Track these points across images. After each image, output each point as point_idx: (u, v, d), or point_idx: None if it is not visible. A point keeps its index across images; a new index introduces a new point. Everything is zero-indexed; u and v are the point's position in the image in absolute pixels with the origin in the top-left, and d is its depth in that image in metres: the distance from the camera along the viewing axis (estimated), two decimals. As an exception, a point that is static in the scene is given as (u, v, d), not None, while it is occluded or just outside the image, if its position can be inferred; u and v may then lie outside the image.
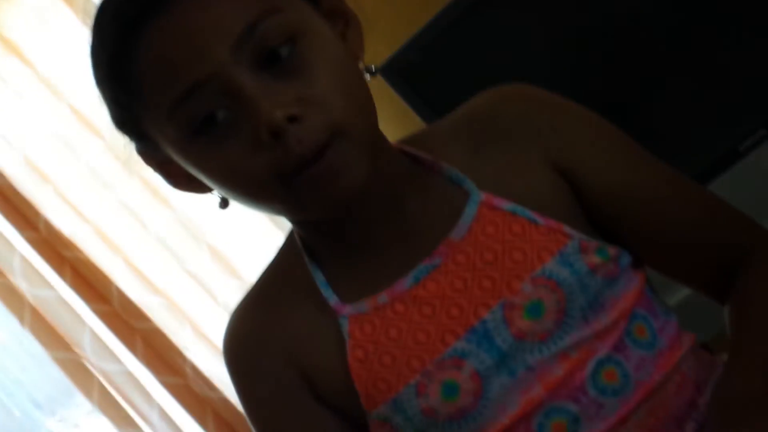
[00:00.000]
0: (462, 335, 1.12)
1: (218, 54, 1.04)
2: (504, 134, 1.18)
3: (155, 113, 1.08)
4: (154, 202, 2.50)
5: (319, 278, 1.18)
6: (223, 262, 2.50)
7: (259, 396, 1.20)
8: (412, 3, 2.33)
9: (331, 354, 1.15)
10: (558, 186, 1.17)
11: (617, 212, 1.17)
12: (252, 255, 2.50)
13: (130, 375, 2.42)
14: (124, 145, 1.16)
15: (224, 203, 1.16)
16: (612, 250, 1.14)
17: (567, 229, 1.14)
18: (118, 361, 2.43)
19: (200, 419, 2.42)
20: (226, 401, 2.42)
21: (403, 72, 2.22)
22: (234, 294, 2.47)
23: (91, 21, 1.12)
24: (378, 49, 1.91)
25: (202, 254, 2.50)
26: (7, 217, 2.48)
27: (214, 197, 1.17)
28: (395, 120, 2.20)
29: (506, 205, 1.15)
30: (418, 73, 2.24)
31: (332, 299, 1.16)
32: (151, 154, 1.14)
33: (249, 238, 2.50)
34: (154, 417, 2.41)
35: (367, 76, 1.15)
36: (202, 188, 1.14)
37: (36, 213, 2.49)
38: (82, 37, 1.14)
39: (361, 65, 1.14)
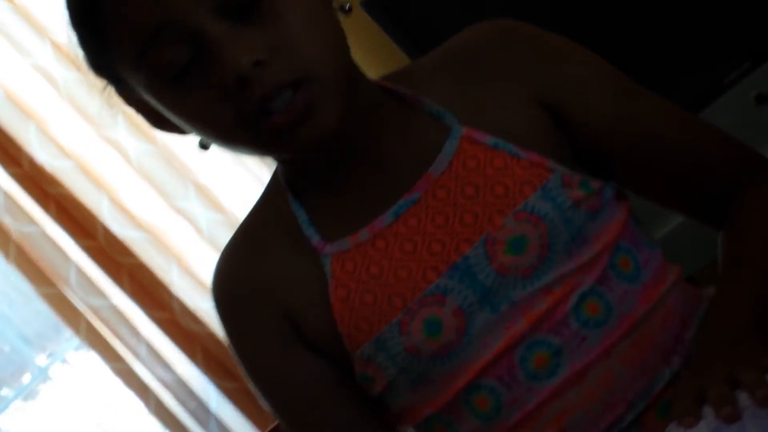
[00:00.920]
0: (444, 272, 1.11)
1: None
2: (489, 69, 1.17)
3: (125, 60, 1.08)
4: (138, 137, 2.49)
5: (302, 217, 1.17)
6: (208, 197, 2.50)
7: (245, 338, 1.21)
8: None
9: (314, 294, 1.15)
10: (543, 121, 1.16)
11: (611, 145, 1.17)
12: (236, 188, 2.50)
13: (116, 309, 2.44)
14: (105, 85, 1.15)
15: (203, 145, 1.16)
16: (595, 183, 1.14)
17: (550, 163, 1.13)
18: (104, 296, 2.44)
19: (189, 353, 2.43)
20: (213, 335, 2.43)
21: (385, 5, 2.20)
22: (219, 228, 2.48)
23: None
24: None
25: (187, 189, 2.50)
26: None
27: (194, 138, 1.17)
28: (378, 56, 2.19)
29: (488, 139, 1.14)
30: (401, 6, 2.22)
31: (314, 238, 1.16)
32: (130, 95, 1.14)
33: (233, 172, 2.50)
34: (142, 351, 2.42)
35: (342, 16, 1.14)
36: (182, 130, 1.14)
37: (19, 149, 2.48)
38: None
39: (334, 3, 1.13)
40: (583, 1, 2.13)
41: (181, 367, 2.45)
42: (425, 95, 1.17)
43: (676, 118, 1.20)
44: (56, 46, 2.45)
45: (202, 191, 2.50)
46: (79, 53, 1.13)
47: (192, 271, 2.49)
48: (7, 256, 2.47)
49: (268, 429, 2.11)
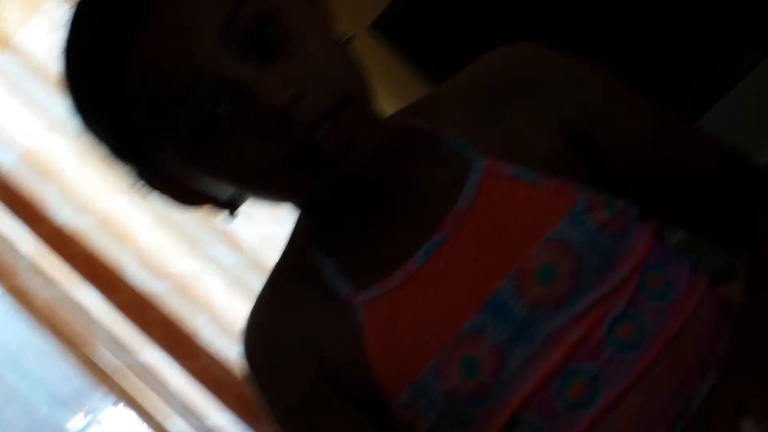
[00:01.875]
0: (478, 308, 1.09)
1: (204, 50, 1.01)
2: (510, 96, 1.15)
3: (155, 128, 1.04)
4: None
5: (329, 267, 1.14)
6: (231, 241, 2.49)
7: (283, 400, 1.18)
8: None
9: (348, 345, 1.12)
10: (565, 145, 1.13)
11: (631, 169, 1.15)
12: (258, 230, 2.49)
13: (148, 365, 2.43)
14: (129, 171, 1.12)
15: (232, 215, 1.12)
16: (620, 203, 1.12)
17: (574, 187, 1.11)
18: (134, 352, 2.43)
19: (223, 401, 2.42)
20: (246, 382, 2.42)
21: (398, 23, 2.19)
22: (244, 272, 2.47)
23: (64, 51, 1.07)
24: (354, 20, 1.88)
25: (210, 235, 2.49)
26: (12, 211, 2.46)
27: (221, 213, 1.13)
28: (391, 82, 2.18)
29: (511, 170, 1.12)
30: (413, 23, 2.21)
31: (344, 287, 1.13)
32: (154, 176, 1.10)
33: (253, 213, 2.49)
34: (177, 404, 2.42)
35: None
36: (211, 201, 1.11)
37: (40, 211, 2.48)
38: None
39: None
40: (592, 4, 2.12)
41: (216, 416, 2.44)
42: (445, 128, 1.15)
43: (692, 138, 1.19)
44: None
45: (224, 236, 2.49)
46: (95, 145, 1.09)
47: (219, 318, 2.48)
48: (35, 319, 2.46)
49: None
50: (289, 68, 1.02)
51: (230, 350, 2.44)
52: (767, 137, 1.98)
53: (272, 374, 1.17)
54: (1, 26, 2.49)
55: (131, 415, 2.48)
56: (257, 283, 2.36)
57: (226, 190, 1.09)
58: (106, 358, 2.43)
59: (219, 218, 1.15)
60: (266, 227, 2.44)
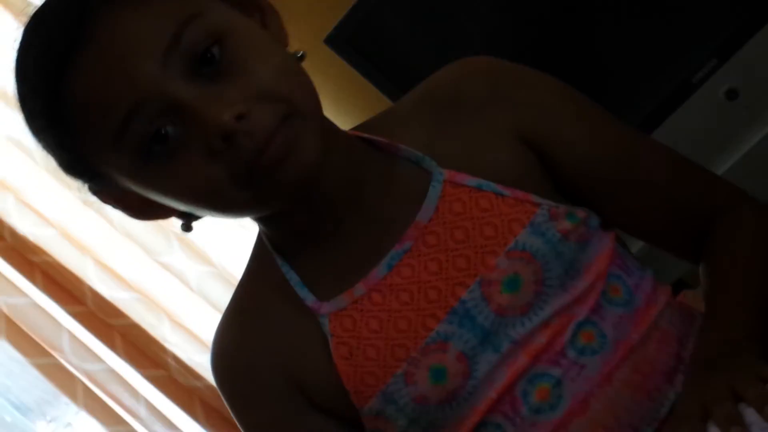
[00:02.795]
0: (443, 318, 1.11)
1: (148, 71, 1.02)
2: (467, 109, 1.17)
3: (101, 147, 1.05)
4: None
5: (293, 279, 1.16)
6: (192, 249, 2.48)
7: (255, 415, 1.19)
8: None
9: (316, 356, 1.14)
10: (524, 156, 1.16)
11: (587, 178, 1.17)
12: (219, 238, 2.49)
13: (112, 372, 2.41)
14: (78, 188, 1.13)
15: (187, 227, 1.14)
16: (581, 213, 1.14)
17: (534, 198, 1.13)
18: (99, 359, 2.41)
19: (188, 409, 2.41)
20: (212, 389, 2.41)
21: (350, 39, 2.20)
22: (208, 280, 2.46)
23: (14, 71, 1.09)
24: (307, 37, 1.89)
25: (170, 243, 2.48)
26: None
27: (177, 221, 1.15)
28: (348, 94, 2.19)
29: (470, 180, 1.14)
30: (367, 38, 2.21)
31: (309, 299, 1.15)
32: (107, 190, 1.12)
33: (214, 222, 2.48)
34: (142, 411, 2.40)
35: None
36: (166, 212, 1.12)
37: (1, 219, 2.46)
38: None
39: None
40: (544, 15, 2.13)
41: (182, 424, 2.43)
42: (402, 141, 1.16)
43: (647, 148, 1.21)
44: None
45: (185, 243, 2.49)
46: (48, 157, 1.10)
47: (184, 325, 2.47)
48: (-2, 328, 2.44)
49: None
50: (234, 88, 1.03)
51: (196, 358, 2.44)
52: (722, 148, 2.02)
53: (244, 392, 1.19)
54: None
55: (94, 423, 2.45)
56: (221, 291, 2.37)
57: (179, 205, 1.10)
58: (70, 366, 2.41)
59: (176, 227, 1.16)
60: (231, 232, 2.44)
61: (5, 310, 2.41)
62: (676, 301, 1.20)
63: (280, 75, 1.06)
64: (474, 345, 1.11)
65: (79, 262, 2.46)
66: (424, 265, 1.13)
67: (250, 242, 1.23)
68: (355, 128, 1.21)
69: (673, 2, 2.06)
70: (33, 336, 2.42)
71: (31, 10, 1.09)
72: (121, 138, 1.03)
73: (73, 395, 2.41)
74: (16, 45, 1.09)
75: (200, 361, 2.43)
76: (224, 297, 2.27)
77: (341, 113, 2.14)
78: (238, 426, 1.21)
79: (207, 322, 2.43)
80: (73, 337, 2.41)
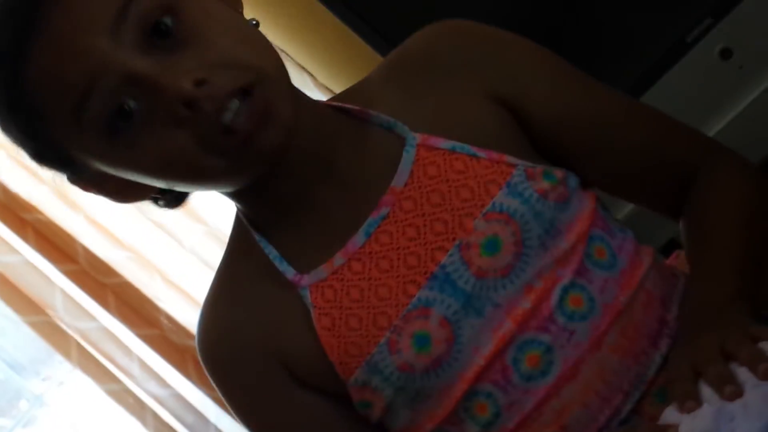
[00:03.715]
0: (424, 284, 1.11)
1: (99, 46, 1.00)
2: (439, 71, 1.17)
3: (65, 130, 1.04)
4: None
5: (272, 254, 1.15)
6: (186, 209, 2.48)
7: (239, 392, 1.20)
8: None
9: (300, 329, 1.14)
10: (499, 117, 1.15)
11: (564, 139, 1.17)
12: (212, 197, 2.48)
13: (105, 331, 2.41)
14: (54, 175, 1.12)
15: (167, 204, 1.14)
16: (558, 173, 1.14)
17: (510, 158, 1.13)
18: (92, 318, 2.41)
19: (181, 367, 2.41)
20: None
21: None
22: (200, 238, 2.46)
23: None
24: None
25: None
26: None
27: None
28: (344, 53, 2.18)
29: (444, 143, 1.13)
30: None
31: (289, 272, 1.14)
32: (83, 177, 1.10)
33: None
34: (135, 369, 2.40)
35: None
36: (145, 192, 1.12)
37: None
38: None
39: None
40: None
41: (175, 382, 2.43)
42: (374, 108, 1.16)
43: (624, 107, 1.20)
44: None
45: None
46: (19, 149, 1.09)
47: (176, 284, 2.47)
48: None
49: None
50: (192, 58, 1.02)
51: (188, 317, 2.44)
52: (716, 107, 2.01)
53: (231, 373, 1.19)
54: None
55: (88, 381, 2.46)
56: (215, 250, 2.37)
57: (155, 182, 1.09)
58: (64, 323, 2.41)
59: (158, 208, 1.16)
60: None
61: (-1, 267, 2.41)
62: (658, 263, 1.20)
63: (239, 42, 1.05)
64: (456, 310, 1.10)
65: (72, 220, 2.45)
66: (402, 231, 1.12)
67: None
68: (329, 99, 1.21)
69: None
70: (26, 294, 2.42)
71: None
72: (81, 117, 1.02)
73: (66, 353, 2.41)
74: None
75: (193, 320, 2.40)
76: (217, 256, 2.28)
77: (334, 73, 2.14)
78: (228, 405, 1.22)
79: (200, 280, 2.43)
80: (66, 296, 2.41)
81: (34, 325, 2.42)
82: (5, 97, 1.05)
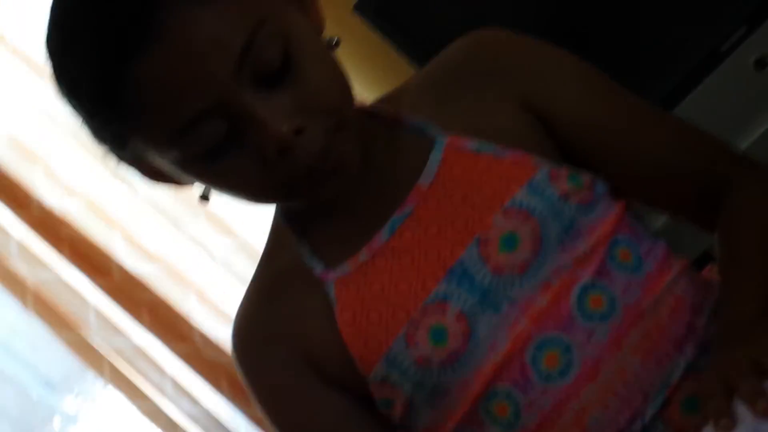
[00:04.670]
0: (442, 278, 1.12)
1: (221, 78, 1.02)
2: (475, 77, 1.19)
3: (153, 137, 1.06)
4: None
5: (304, 249, 1.18)
6: (217, 222, 2.50)
7: (266, 388, 1.21)
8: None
9: (324, 325, 1.16)
10: (529, 122, 1.17)
11: (592, 147, 1.18)
12: (243, 210, 2.49)
13: (139, 348, 2.44)
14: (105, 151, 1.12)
15: (205, 197, 1.15)
16: (586, 177, 1.15)
17: (535, 159, 1.14)
18: (125, 335, 2.43)
19: (214, 384, 2.43)
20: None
21: (380, 7, 2.19)
22: (232, 253, 2.47)
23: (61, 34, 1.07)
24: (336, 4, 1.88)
25: (197, 216, 2.49)
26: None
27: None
28: (376, 62, 2.18)
29: (471, 144, 1.16)
30: (396, 5, 2.21)
31: (318, 268, 1.17)
32: (130, 155, 1.11)
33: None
34: (168, 387, 2.42)
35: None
36: (184, 185, 1.14)
37: (27, 194, 2.46)
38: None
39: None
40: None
41: (207, 399, 2.45)
42: (408, 111, 1.19)
43: (650, 116, 1.21)
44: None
45: (210, 217, 2.49)
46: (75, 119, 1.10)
47: (210, 300, 2.49)
48: (25, 303, 2.45)
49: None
50: (292, 98, 1.05)
51: (221, 332, 2.45)
52: (750, 118, 2.00)
53: (257, 365, 1.21)
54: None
55: (122, 397, 2.48)
56: (245, 263, 2.38)
57: (215, 192, 1.13)
58: (97, 341, 2.43)
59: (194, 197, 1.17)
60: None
61: (32, 284, 2.43)
62: (695, 272, 1.20)
63: (331, 83, 1.09)
64: (473, 304, 1.11)
65: (107, 235, 2.47)
66: (424, 228, 1.15)
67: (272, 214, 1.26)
68: (371, 103, 1.24)
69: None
70: (60, 310, 2.43)
71: None
72: (181, 136, 1.04)
73: (99, 370, 2.43)
74: (60, 14, 1.07)
75: (225, 336, 2.43)
76: (248, 270, 2.29)
77: (369, 83, 2.14)
78: (254, 403, 1.23)
79: (232, 295, 2.44)
80: (100, 313, 2.43)
81: (67, 342, 2.44)
82: (99, 86, 1.04)
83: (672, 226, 1.47)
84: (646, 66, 2.00)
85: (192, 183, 1.13)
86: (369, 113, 1.20)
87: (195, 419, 2.42)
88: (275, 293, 1.20)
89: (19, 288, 2.45)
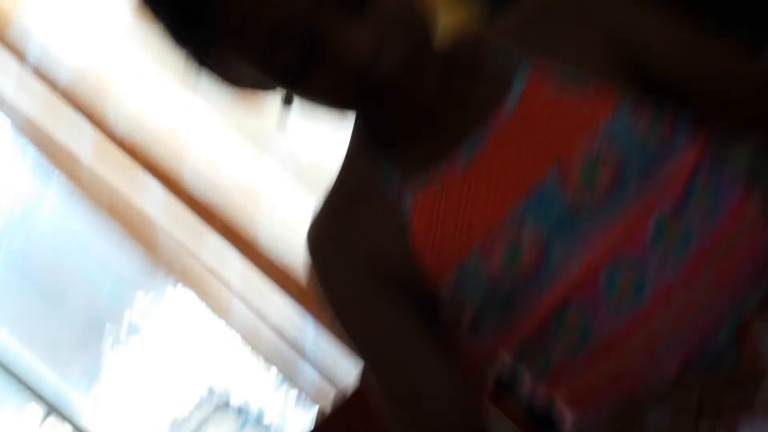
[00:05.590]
0: (520, 198, 1.14)
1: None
2: (565, 18, 1.20)
3: (239, 53, 1.09)
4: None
5: (382, 163, 1.19)
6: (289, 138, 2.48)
7: (335, 290, 1.22)
8: None
9: (397, 236, 1.17)
10: (614, 58, 1.18)
11: (677, 85, 1.18)
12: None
13: (210, 247, 2.46)
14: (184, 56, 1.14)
15: (288, 101, 1.15)
16: (668, 107, 1.15)
17: (620, 90, 1.15)
18: (198, 235, 2.46)
19: (282, 286, 2.45)
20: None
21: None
22: (305, 167, 2.49)
23: None
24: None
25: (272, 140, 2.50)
26: (75, 108, 2.48)
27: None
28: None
29: (558, 70, 1.16)
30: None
31: (395, 181, 1.18)
32: (215, 65, 1.13)
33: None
34: (236, 286, 2.46)
35: None
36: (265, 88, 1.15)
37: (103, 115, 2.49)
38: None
39: None
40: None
41: (276, 300, 2.47)
42: (494, 37, 1.20)
43: (734, 59, 1.21)
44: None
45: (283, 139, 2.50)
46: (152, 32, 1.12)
47: (280, 206, 2.49)
48: (100, 206, 2.51)
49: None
50: (375, 13, 1.07)
51: (292, 252, 2.46)
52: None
53: (328, 267, 1.22)
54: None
55: (192, 295, 2.54)
56: (318, 181, 2.38)
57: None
58: (169, 242, 2.48)
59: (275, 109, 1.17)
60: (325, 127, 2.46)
61: (108, 189, 2.48)
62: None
63: (412, 2, 1.10)
64: (550, 226, 1.13)
65: (178, 161, 2.49)
66: (506, 149, 1.15)
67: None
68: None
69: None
70: (132, 211, 2.48)
71: None
72: (264, 55, 1.08)
73: (171, 268, 2.49)
74: None
75: (293, 241, 2.45)
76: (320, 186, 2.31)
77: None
78: (323, 308, 1.24)
79: (304, 208, 2.40)
80: (173, 218, 2.47)
81: (140, 240, 2.49)
82: (188, 9, 1.08)
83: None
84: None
85: (274, 88, 1.14)
86: (453, 37, 1.21)
87: (264, 318, 2.47)
88: (351, 203, 1.21)
89: (93, 192, 2.51)
